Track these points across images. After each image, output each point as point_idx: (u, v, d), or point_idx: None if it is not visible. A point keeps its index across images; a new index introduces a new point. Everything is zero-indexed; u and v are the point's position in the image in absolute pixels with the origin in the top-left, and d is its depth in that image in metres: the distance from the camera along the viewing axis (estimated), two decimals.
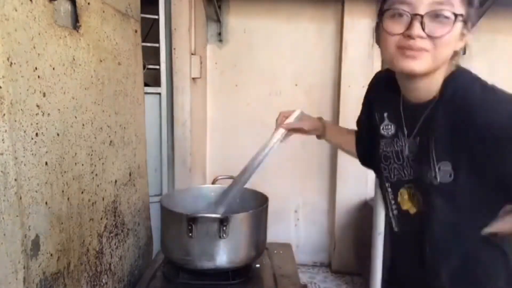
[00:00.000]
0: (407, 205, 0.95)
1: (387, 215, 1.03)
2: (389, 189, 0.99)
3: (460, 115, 0.81)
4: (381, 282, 1.19)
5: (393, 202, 0.98)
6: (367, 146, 1.11)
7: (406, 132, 0.93)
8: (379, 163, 1.00)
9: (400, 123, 0.94)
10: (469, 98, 0.82)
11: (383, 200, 1.03)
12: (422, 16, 0.78)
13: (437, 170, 0.84)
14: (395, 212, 0.99)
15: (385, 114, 0.99)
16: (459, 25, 0.79)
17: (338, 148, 1.27)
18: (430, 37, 0.78)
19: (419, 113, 0.89)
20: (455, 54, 0.84)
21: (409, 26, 0.79)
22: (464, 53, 0.86)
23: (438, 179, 0.84)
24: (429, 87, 0.87)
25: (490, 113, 0.79)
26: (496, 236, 0.88)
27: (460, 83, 0.85)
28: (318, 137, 1.29)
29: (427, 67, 0.81)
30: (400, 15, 0.80)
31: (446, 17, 0.78)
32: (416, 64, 0.81)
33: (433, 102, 0.86)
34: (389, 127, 0.98)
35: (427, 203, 0.89)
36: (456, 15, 0.78)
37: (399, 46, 0.81)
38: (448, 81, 0.85)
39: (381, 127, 1.00)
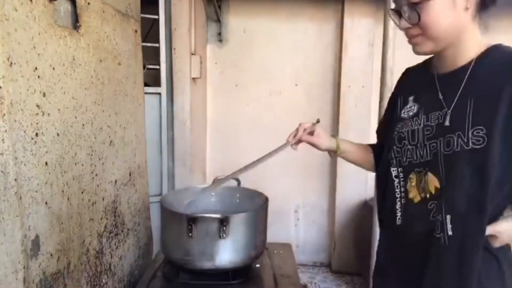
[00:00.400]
0: (413, 193, 0.94)
1: (390, 209, 1.00)
2: (401, 175, 0.98)
3: (503, 71, 0.83)
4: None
5: (402, 189, 0.98)
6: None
7: (444, 102, 0.91)
8: (392, 146, 0.99)
9: (429, 99, 0.94)
10: None
11: (389, 192, 1.01)
12: (399, 10, 0.87)
13: (470, 135, 0.83)
14: (403, 201, 0.97)
15: (411, 98, 1.00)
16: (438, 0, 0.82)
17: (352, 163, 1.24)
18: (414, 24, 0.86)
19: (458, 77, 0.89)
20: (472, 12, 0.85)
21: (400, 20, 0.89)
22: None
23: (470, 145, 0.83)
24: (460, 51, 0.89)
25: None
26: (494, 240, 0.84)
27: (508, 50, 0.87)
28: (331, 155, 1.23)
29: (430, 48, 0.89)
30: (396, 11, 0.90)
31: (417, 3, 0.83)
32: (419, 48, 0.90)
33: (472, 64, 0.87)
34: (412, 107, 0.98)
35: (449, 177, 0.87)
36: None
37: None
38: (494, 47, 0.88)
39: (402, 111, 1.00)
